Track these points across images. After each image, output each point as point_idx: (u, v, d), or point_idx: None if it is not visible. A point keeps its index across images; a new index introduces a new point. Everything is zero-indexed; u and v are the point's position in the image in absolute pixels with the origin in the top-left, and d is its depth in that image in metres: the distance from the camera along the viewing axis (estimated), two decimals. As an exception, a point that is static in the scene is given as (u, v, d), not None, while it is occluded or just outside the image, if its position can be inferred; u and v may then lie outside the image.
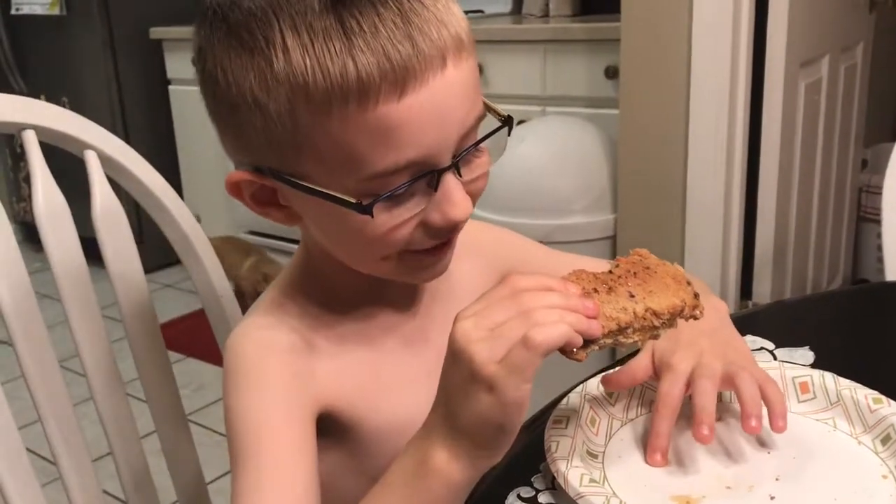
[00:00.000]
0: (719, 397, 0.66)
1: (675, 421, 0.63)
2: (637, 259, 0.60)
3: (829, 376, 0.68)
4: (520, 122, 2.18)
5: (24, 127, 0.82)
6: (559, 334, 0.51)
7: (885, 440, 0.61)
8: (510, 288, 0.53)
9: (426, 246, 0.62)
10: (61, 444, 0.85)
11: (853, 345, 0.86)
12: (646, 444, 0.64)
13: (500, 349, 0.50)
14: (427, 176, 0.58)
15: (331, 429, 0.66)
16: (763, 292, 2.02)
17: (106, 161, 0.89)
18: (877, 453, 0.61)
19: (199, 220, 1.00)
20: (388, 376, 0.69)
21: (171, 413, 0.96)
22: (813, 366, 0.74)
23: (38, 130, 0.83)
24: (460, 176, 0.60)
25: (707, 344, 0.66)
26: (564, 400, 0.68)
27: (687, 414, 0.63)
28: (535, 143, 2.04)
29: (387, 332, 0.70)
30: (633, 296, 0.56)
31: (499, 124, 0.64)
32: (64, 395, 0.85)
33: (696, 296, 0.58)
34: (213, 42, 0.58)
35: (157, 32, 3.22)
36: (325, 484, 0.63)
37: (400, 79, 0.55)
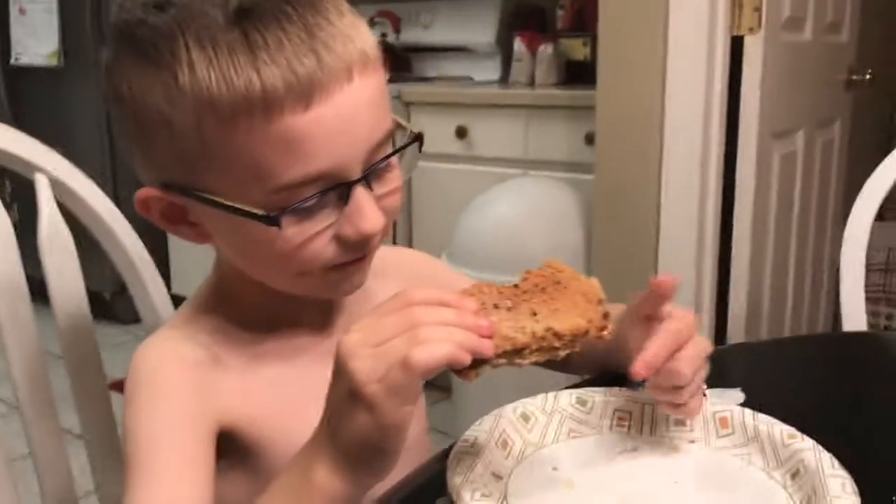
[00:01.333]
0: (641, 419, 0.66)
1: (670, 352, 0.61)
2: (549, 272, 0.58)
3: (748, 412, 0.67)
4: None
5: (-29, 144, 0.84)
6: (440, 355, 0.49)
7: (795, 475, 0.60)
8: (402, 301, 0.52)
9: (341, 261, 0.63)
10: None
11: (786, 389, 0.85)
12: (559, 471, 0.62)
13: (381, 368, 0.49)
14: (337, 189, 0.59)
15: (233, 449, 0.65)
16: (735, 361, 2.01)
17: (55, 185, 0.90)
18: (785, 487, 0.60)
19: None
20: (298, 397, 0.68)
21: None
22: (741, 406, 0.73)
23: (-14, 148, 0.84)
24: (371, 189, 0.61)
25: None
26: (478, 421, 0.67)
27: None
28: (510, 203, 2.07)
29: (300, 351, 0.70)
30: (535, 314, 0.55)
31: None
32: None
33: (607, 315, 0.56)
34: (119, 59, 0.60)
35: (153, 87, 3.27)
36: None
37: (305, 91, 0.56)
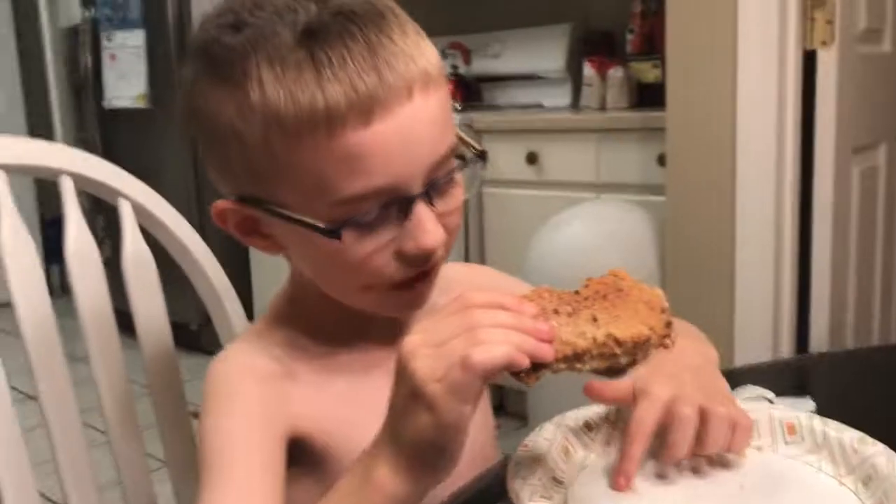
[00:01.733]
0: None
1: (646, 447, 0.61)
2: (611, 280, 0.58)
3: (817, 418, 0.66)
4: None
5: (61, 173, 0.88)
6: (499, 355, 0.50)
7: (867, 481, 0.59)
8: (461, 304, 0.53)
9: (404, 276, 0.64)
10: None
11: (861, 399, 0.83)
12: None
13: (441, 367, 0.50)
14: (397, 203, 0.61)
15: (304, 456, 0.67)
16: (820, 382, 1.95)
17: (142, 213, 0.95)
18: (857, 494, 0.59)
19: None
20: (366, 409, 0.69)
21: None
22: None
23: (75, 178, 0.89)
24: (432, 205, 0.62)
25: (689, 378, 0.64)
26: (539, 427, 0.67)
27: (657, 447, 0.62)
28: (582, 226, 2.06)
29: (369, 366, 0.72)
30: (595, 319, 0.54)
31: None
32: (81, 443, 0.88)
33: (669, 324, 0.56)
34: (197, 76, 0.63)
35: (234, 125, 3.39)
36: None
37: (366, 108, 0.58)
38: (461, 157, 0.67)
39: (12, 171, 0.84)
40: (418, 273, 0.65)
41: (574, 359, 0.53)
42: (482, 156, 0.67)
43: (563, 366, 0.53)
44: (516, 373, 0.52)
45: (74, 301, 0.88)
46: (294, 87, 0.58)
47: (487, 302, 0.53)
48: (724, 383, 0.67)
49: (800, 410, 0.74)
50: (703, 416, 0.61)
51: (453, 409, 0.50)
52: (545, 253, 2.09)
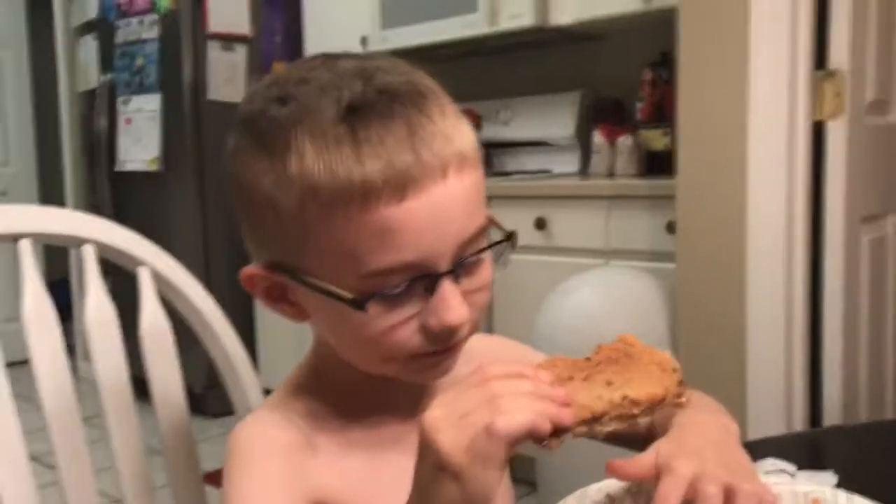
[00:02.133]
0: None
1: None
2: (621, 346, 0.59)
3: (842, 493, 0.65)
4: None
5: (85, 241, 0.90)
6: (523, 422, 0.51)
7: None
8: (480, 376, 0.54)
9: (428, 350, 0.65)
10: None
11: (882, 472, 0.82)
12: None
13: (466, 438, 0.51)
14: (424, 279, 0.62)
15: None
16: (834, 453, 1.93)
17: (158, 278, 0.96)
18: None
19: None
20: (387, 483, 0.69)
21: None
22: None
23: (97, 245, 0.90)
24: (458, 283, 0.63)
25: (712, 454, 0.63)
26: (562, 501, 0.67)
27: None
28: (592, 291, 2.06)
29: (390, 442, 0.72)
30: (610, 383, 0.56)
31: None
32: None
33: (681, 383, 0.57)
34: (241, 145, 0.65)
35: (245, 188, 3.44)
36: None
37: (401, 184, 0.59)
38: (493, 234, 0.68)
39: (38, 239, 0.85)
40: (441, 348, 0.65)
41: (593, 421, 0.55)
42: (511, 238, 0.68)
43: (583, 429, 0.55)
44: (538, 439, 0.53)
45: (93, 366, 0.88)
46: (333, 160, 0.59)
47: (506, 372, 0.54)
48: (747, 458, 0.66)
49: (822, 485, 0.73)
50: (729, 494, 0.60)
51: (480, 477, 0.51)
52: (554, 319, 2.09)
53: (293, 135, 0.61)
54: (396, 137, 0.60)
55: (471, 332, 0.67)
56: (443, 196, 0.61)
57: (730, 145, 1.86)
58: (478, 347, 0.78)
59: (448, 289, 0.62)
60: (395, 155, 0.59)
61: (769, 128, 1.81)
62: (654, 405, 0.56)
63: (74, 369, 0.89)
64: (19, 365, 0.84)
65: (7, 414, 0.80)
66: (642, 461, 0.64)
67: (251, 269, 0.67)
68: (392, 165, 0.59)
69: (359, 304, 0.60)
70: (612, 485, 0.68)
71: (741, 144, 1.84)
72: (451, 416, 0.52)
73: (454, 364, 0.69)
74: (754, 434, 1.76)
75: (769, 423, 1.85)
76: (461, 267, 0.63)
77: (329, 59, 0.66)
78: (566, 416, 0.53)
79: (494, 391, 0.52)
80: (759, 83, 1.81)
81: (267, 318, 3.40)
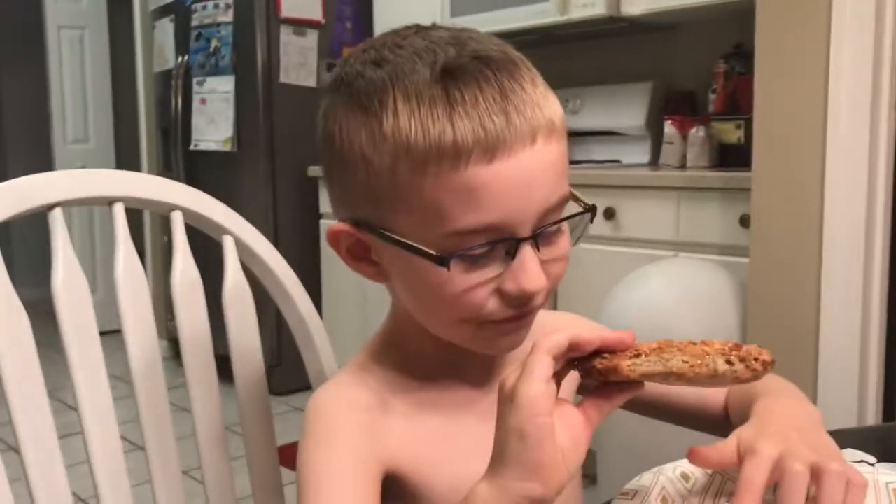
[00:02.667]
0: (808, 487, 0.63)
1: None
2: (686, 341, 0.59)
3: (925, 486, 0.64)
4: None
5: (173, 208, 0.93)
6: (562, 334, 0.56)
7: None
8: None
9: (501, 316, 0.66)
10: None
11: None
12: None
13: (520, 367, 0.56)
14: (506, 242, 0.63)
15: (400, 492, 0.68)
16: (906, 456, 1.88)
17: (241, 247, 0.98)
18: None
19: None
20: (459, 447, 0.71)
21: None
22: (917, 484, 0.70)
23: (184, 212, 0.93)
24: (538, 250, 0.64)
25: (796, 436, 0.63)
26: (637, 476, 0.67)
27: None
28: (660, 283, 2.04)
29: (462, 405, 0.73)
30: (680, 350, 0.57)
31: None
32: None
33: (761, 347, 0.58)
34: (336, 105, 0.67)
35: (313, 170, 3.49)
36: None
37: (491, 146, 0.61)
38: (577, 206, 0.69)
39: (129, 203, 0.88)
40: (515, 314, 0.66)
41: (661, 350, 0.55)
42: (591, 210, 0.69)
43: (652, 357, 0.55)
44: (603, 365, 0.56)
45: (179, 332, 0.91)
46: (427, 119, 0.61)
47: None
48: (832, 442, 0.66)
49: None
50: (816, 473, 0.59)
51: (524, 388, 0.54)
52: (620, 310, 2.07)
53: (389, 94, 0.63)
54: (489, 100, 0.61)
55: (544, 302, 0.68)
56: (530, 161, 0.62)
57: (808, 139, 1.82)
58: (550, 323, 0.78)
59: (528, 254, 0.63)
60: (487, 117, 0.61)
61: (850, 122, 1.77)
62: (729, 350, 0.56)
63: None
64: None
65: (100, 387, 0.83)
66: (724, 447, 0.64)
67: (338, 226, 0.69)
68: (483, 127, 0.61)
69: (442, 260, 0.62)
70: (685, 463, 0.68)
71: (820, 139, 1.80)
72: (516, 366, 0.57)
73: (524, 337, 0.70)
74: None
75: (840, 420, 1.81)
76: (542, 235, 0.65)
77: (422, 28, 0.68)
78: (622, 340, 0.56)
79: None
80: (840, 76, 1.76)
81: (332, 296, 3.45)
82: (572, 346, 0.56)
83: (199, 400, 0.92)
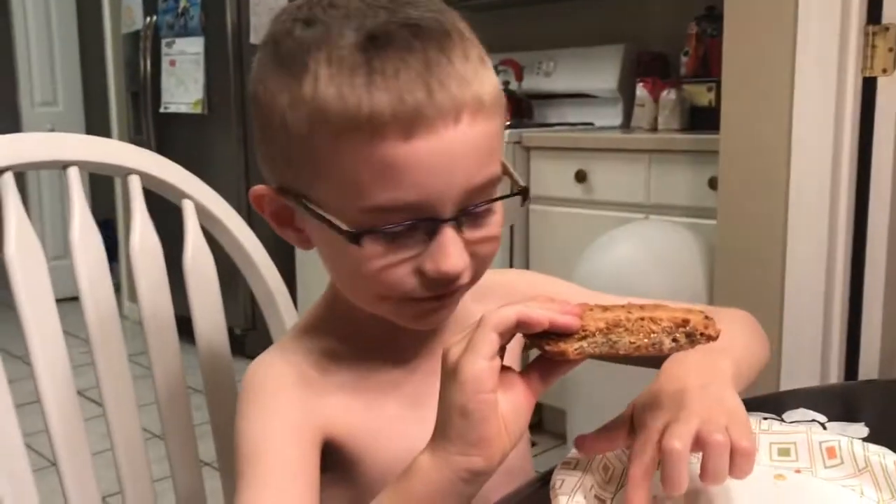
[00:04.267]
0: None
1: (650, 485, 0.57)
2: (651, 301, 0.58)
3: (857, 443, 0.65)
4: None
5: (131, 172, 0.91)
6: (511, 311, 0.53)
7: (916, 506, 0.59)
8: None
9: (422, 295, 0.64)
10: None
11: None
12: (659, 499, 0.60)
13: (465, 339, 0.54)
14: (425, 223, 0.61)
15: (337, 462, 0.68)
16: (867, 414, 1.92)
17: (202, 212, 0.97)
18: (906, 519, 0.59)
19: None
20: (397, 415, 0.71)
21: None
22: (864, 440, 0.71)
23: (143, 177, 0.92)
24: (461, 231, 0.62)
25: (690, 400, 0.59)
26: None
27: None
28: (630, 246, 2.06)
29: (400, 371, 0.72)
30: (630, 311, 0.55)
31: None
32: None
33: (708, 317, 0.56)
34: (263, 63, 0.65)
35: (286, 134, 3.46)
36: None
37: (410, 122, 0.58)
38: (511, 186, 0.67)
39: (85, 167, 0.87)
40: (436, 294, 0.64)
41: (608, 331, 0.54)
42: (523, 192, 0.66)
43: (598, 338, 0.54)
44: (551, 344, 0.54)
45: (137, 295, 0.90)
46: (345, 87, 0.58)
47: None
48: (731, 399, 0.61)
49: (852, 435, 0.74)
50: (701, 445, 0.56)
51: (468, 364, 0.53)
52: (591, 272, 2.09)
53: (312, 57, 0.60)
54: (411, 73, 0.58)
55: (472, 283, 0.66)
56: (453, 140, 0.59)
57: (775, 101, 1.83)
58: (495, 282, 0.76)
59: (448, 236, 0.61)
60: (408, 91, 0.58)
61: (817, 83, 1.77)
62: (676, 326, 0.54)
63: (120, 307, 0.90)
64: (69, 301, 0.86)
65: (57, 350, 0.82)
66: (616, 426, 0.63)
67: (261, 189, 0.67)
68: (403, 101, 0.58)
69: (355, 237, 0.60)
70: None
71: (787, 100, 1.81)
72: (462, 336, 0.55)
73: (448, 314, 0.68)
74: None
75: (804, 379, 1.85)
76: (466, 216, 0.62)
77: None
78: (570, 320, 0.54)
79: None
80: (808, 37, 1.77)
81: (307, 263, 3.44)
82: (521, 324, 0.54)
83: (159, 364, 0.91)
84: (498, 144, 0.64)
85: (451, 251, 0.61)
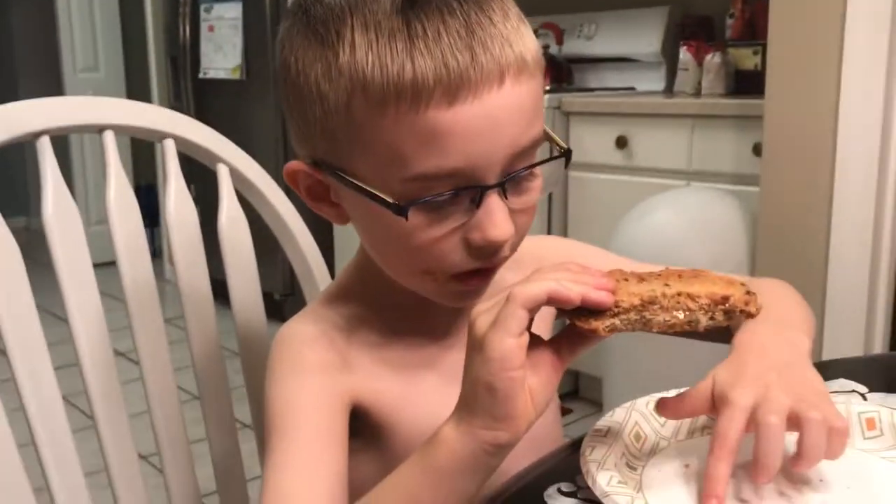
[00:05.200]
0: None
1: (733, 463, 0.55)
2: (690, 269, 0.56)
3: (897, 413, 0.64)
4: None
5: (165, 136, 0.91)
6: (542, 287, 0.51)
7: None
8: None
9: (466, 267, 0.62)
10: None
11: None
12: (691, 468, 0.60)
13: (493, 314, 0.52)
14: (470, 191, 0.59)
15: (365, 428, 0.68)
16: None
17: (238, 177, 0.97)
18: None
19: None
20: (424, 381, 0.70)
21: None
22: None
23: (177, 141, 0.92)
24: (506, 198, 0.60)
25: (775, 378, 0.57)
26: (610, 412, 0.66)
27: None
28: (671, 213, 2.03)
29: (428, 339, 0.72)
30: (668, 285, 0.53)
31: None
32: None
33: (750, 293, 0.53)
34: (293, 33, 0.62)
35: (324, 99, 3.45)
36: (360, 487, 0.63)
37: (454, 86, 0.56)
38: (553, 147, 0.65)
39: (120, 131, 0.87)
40: (479, 267, 0.63)
41: (642, 308, 0.52)
42: (566, 155, 0.65)
43: (632, 316, 0.52)
44: (582, 321, 0.52)
45: (174, 259, 0.91)
46: (385, 54, 0.56)
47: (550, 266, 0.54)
48: (817, 380, 0.60)
49: (892, 407, 0.72)
50: (796, 422, 0.54)
51: (496, 341, 0.51)
52: (630, 240, 2.06)
53: (346, 24, 0.58)
54: (453, 36, 0.57)
55: (510, 254, 0.65)
56: (497, 103, 0.58)
57: (823, 65, 1.78)
58: (529, 249, 0.72)
59: (495, 203, 0.59)
60: (451, 55, 0.56)
61: (867, 48, 1.72)
62: (714, 304, 0.52)
63: (162, 273, 0.91)
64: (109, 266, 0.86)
65: (93, 312, 0.83)
66: (697, 396, 0.60)
67: (295, 165, 0.65)
68: (446, 65, 0.56)
69: (400, 209, 0.58)
70: (659, 398, 0.67)
71: (835, 65, 1.76)
72: (490, 305, 0.53)
73: (485, 291, 0.66)
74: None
75: (847, 350, 1.81)
76: (510, 181, 0.60)
77: None
78: (602, 296, 0.52)
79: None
80: (858, 1, 1.71)
81: (345, 230, 3.45)
82: (551, 300, 0.52)
83: (195, 327, 0.92)
84: (541, 104, 0.62)
85: (497, 218, 0.59)
